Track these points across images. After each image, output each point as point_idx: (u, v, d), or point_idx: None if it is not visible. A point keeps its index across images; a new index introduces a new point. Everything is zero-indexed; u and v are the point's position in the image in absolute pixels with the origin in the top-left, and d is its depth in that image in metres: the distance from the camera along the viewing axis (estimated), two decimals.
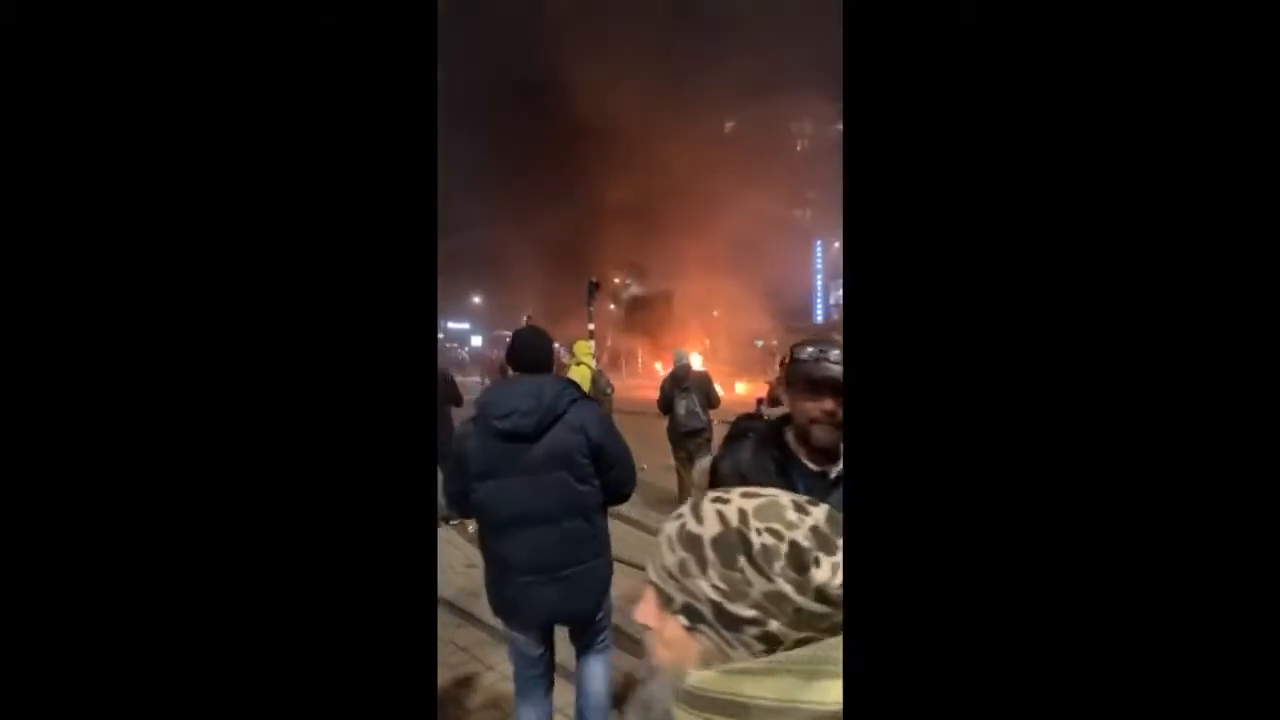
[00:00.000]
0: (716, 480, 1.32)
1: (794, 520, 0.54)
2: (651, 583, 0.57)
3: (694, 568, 0.54)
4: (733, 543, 0.53)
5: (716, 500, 0.57)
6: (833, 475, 1.23)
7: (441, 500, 5.10)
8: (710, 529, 0.55)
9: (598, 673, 1.94)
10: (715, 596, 0.53)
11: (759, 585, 0.52)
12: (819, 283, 31.54)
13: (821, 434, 1.19)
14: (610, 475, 1.83)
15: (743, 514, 0.55)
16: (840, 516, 0.56)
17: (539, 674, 1.88)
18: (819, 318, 30.55)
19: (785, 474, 1.25)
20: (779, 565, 0.52)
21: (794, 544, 0.53)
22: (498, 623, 3.04)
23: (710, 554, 0.54)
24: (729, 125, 33.19)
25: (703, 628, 0.54)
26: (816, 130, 31.77)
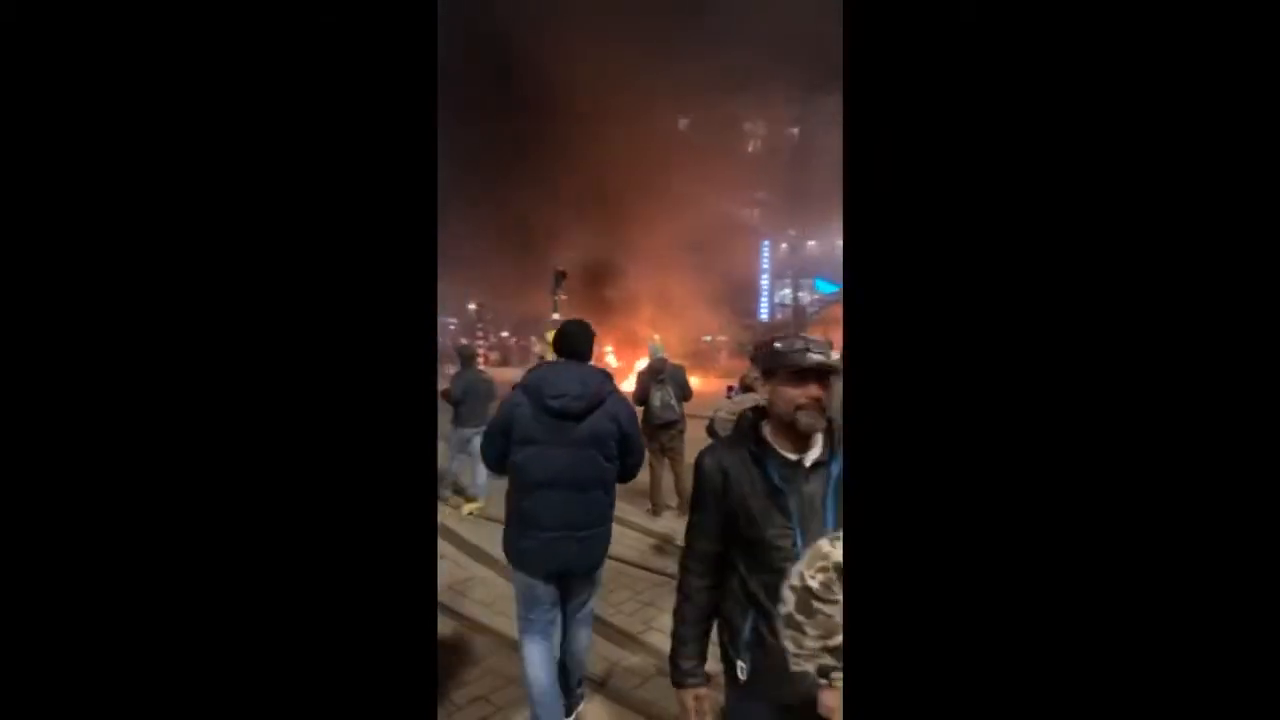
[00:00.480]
0: (700, 476, 1.35)
1: (828, 550, 0.64)
2: (797, 673, 0.66)
3: (799, 636, 0.64)
4: (804, 598, 0.63)
5: (786, 580, 0.67)
6: (808, 462, 1.27)
7: (444, 493, 5.06)
8: (790, 604, 0.64)
9: (582, 629, 2.28)
10: (820, 644, 0.62)
11: (835, 610, 0.61)
12: (765, 282, 32.23)
13: (807, 419, 1.23)
14: (628, 459, 2.17)
15: (800, 575, 0.65)
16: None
17: (549, 620, 2.15)
18: (764, 316, 31.21)
19: (760, 464, 1.28)
20: (837, 587, 0.62)
21: (836, 564, 0.62)
22: (482, 616, 2.99)
23: (799, 618, 0.64)
24: (683, 122, 33.31)
25: (833, 675, 0.62)
26: (770, 131, 32.33)
